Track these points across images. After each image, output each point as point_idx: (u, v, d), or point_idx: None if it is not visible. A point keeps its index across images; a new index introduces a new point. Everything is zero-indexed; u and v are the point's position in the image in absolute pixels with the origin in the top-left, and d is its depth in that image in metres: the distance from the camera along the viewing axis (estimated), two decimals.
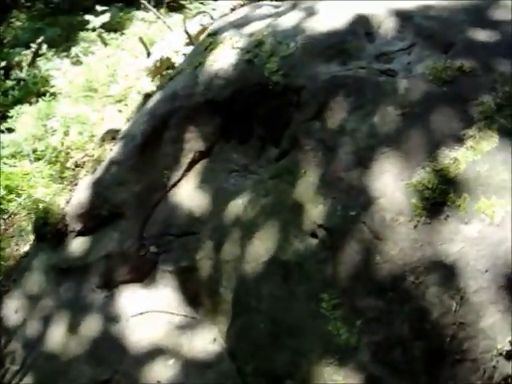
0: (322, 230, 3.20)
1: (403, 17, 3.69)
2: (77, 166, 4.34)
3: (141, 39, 7.28)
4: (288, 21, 3.95)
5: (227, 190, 3.75)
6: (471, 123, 3.07)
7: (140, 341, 3.58)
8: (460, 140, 3.05)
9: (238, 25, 4.16)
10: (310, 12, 3.93)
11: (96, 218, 3.99)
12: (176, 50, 6.96)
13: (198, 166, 3.91)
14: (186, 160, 3.92)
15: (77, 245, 4.01)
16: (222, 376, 3.31)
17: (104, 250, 3.90)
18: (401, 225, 2.97)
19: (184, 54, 6.08)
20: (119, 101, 6.72)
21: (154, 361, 3.47)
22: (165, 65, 7.33)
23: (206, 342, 3.49)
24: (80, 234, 4.04)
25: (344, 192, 3.19)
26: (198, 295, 3.64)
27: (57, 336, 3.72)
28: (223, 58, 3.94)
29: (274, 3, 4.55)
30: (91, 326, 3.70)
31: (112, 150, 4.09)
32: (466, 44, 3.42)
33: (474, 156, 2.99)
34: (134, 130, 4.06)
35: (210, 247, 3.62)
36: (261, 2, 4.61)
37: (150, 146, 3.98)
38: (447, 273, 2.85)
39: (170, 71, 6.25)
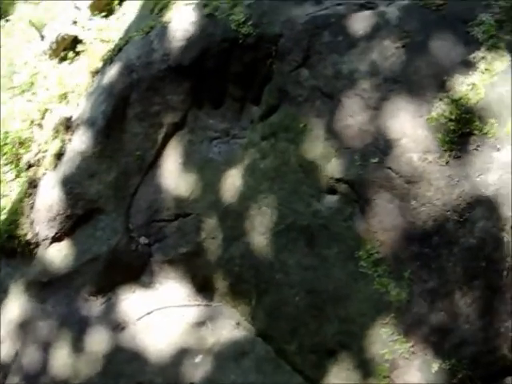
0: (342, 184, 2.94)
1: None
2: (30, 165, 3.78)
3: (31, 22, 6.60)
4: None
5: (214, 160, 3.39)
6: (478, 45, 2.87)
7: (156, 344, 3.22)
8: (471, 64, 2.85)
9: None
10: None
11: (70, 218, 3.53)
12: (82, 25, 6.34)
13: (174, 140, 3.52)
14: (158, 136, 3.52)
15: (54, 253, 3.55)
16: (261, 361, 3.02)
17: (89, 252, 3.46)
18: (431, 163, 2.76)
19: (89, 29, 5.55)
20: (25, 90, 6.08)
21: (179, 362, 3.13)
22: (62, 45, 6.69)
23: (230, 328, 3.17)
24: (55, 240, 3.56)
25: (358, 139, 2.94)
26: (207, 280, 3.31)
27: (60, 359, 3.29)
28: (179, 18, 3.52)
29: None
30: (96, 339, 3.29)
31: (71, 140, 3.59)
32: None
33: (490, 78, 2.80)
34: (92, 113, 3.58)
35: (211, 226, 3.27)
36: None
37: (114, 128, 3.55)
38: (491, 204, 2.68)
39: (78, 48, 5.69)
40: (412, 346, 2.70)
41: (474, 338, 2.65)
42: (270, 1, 3.34)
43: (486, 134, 2.75)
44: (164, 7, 3.65)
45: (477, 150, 2.75)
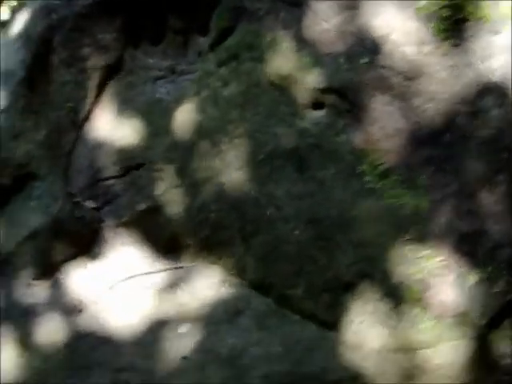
0: (329, 93, 2.52)
1: None
2: None
3: None
4: None
5: (163, 100, 2.87)
6: None
7: (126, 321, 2.60)
8: None
9: None
10: None
11: None
12: None
13: (111, 86, 2.94)
14: (92, 83, 2.93)
15: None
16: (262, 316, 2.50)
17: (25, 228, 2.81)
18: (429, 55, 2.41)
19: None
20: None
21: (160, 337, 2.52)
22: None
23: (214, 288, 2.62)
24: None
25: (339, 43, 2.53)
26: (174, 238, 2.75)
27: (8, 362, 2.54)
28: None
29: None
30: (49, 329, 2.62)
31: None
32: None
33: None
34: (8, 64, 2.96)
35: (172, 173, 2.74)
36: None
37: (38, 79, 2.96)
38: (501, 90, 2.38)
39: None
40: (443, 260, 2.29)
41: (509, 239, 2.28)
42: None
43: (481, 18, 2.43)
44: None
45: (474, 36, 2.43)
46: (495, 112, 2.36)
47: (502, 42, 2.41)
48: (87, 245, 2.81)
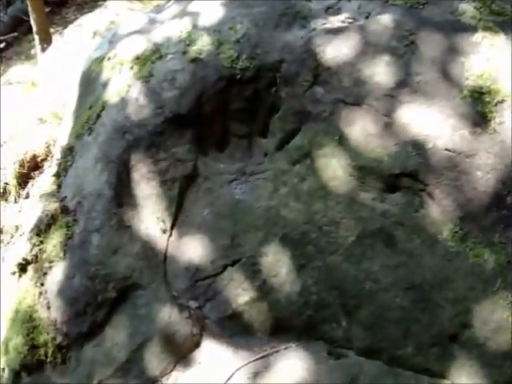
0: (403, 177, 3.37)
1: None
2: (27, 263, 3.63)
3: None
4: (205, 14, 3.95)
5: (242, 201, 3.62)
6: (474, 29, 3.54)
7: None
8: (478, 44, 3.48)
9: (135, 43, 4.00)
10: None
11: (103, 305, 3.48)
12: None
13: (191, 193, 3.68)
14: (173, 193, 3.66)
15: (93, 350, 3.42)
16: (377, 379, 3.23)
17: (137, 335, 3.42)
18: (482, 134, 3.33)
19: None
20: None
21: None
22: None
23: (324, 360, 3.36)
24: (90, 335, 3.45)
25: (404, 133, 3.40)
26: (278, 323, 3.46)
27: None
28: (160, 70, 3.76)
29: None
30: None
31: (77, 221, 3.56)
32: None
33: (498, 52, 3.46)
34: (93, 186, 3.62)
35: (268, 264, 3.48)
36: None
37: (123, 195, 3.61)
38: None
39: None
40: None
41: None
42: (258, 33, 3.73)
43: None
44: (132, 66, 3.85)
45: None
46: None
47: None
48: (197, 342, 3.48)
